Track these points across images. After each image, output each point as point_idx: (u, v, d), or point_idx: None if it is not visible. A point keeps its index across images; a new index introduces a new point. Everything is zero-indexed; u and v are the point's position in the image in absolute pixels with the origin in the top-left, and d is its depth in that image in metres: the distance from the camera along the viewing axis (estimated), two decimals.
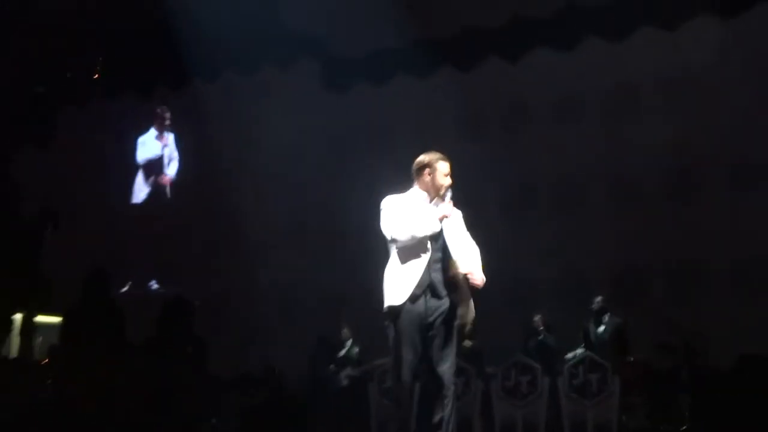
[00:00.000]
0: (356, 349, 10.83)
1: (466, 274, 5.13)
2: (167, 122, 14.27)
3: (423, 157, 5.36)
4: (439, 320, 5.11)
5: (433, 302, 5.09)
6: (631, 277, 11.23)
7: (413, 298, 5.05)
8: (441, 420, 5.07)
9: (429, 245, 5.13)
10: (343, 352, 10.87)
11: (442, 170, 5.28)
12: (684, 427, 9.04)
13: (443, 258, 5.16)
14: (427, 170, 5.30)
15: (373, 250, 11.87)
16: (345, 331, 10.91)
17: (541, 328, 10.13)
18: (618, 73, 11.72)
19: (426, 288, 5.09)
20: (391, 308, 5.07)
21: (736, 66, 10.91)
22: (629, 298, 10.86)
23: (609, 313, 9.93)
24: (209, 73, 13.50)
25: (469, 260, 5.20)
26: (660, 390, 9.43)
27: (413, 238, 5.10)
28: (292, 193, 13.06)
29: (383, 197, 5.30)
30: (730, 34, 10.93)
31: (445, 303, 5.13)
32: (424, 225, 5.12)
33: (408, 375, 5.00)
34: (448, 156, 5.41)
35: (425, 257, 5.11)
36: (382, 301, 5.18)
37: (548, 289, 11.25)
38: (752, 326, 10.10)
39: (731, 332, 10.17)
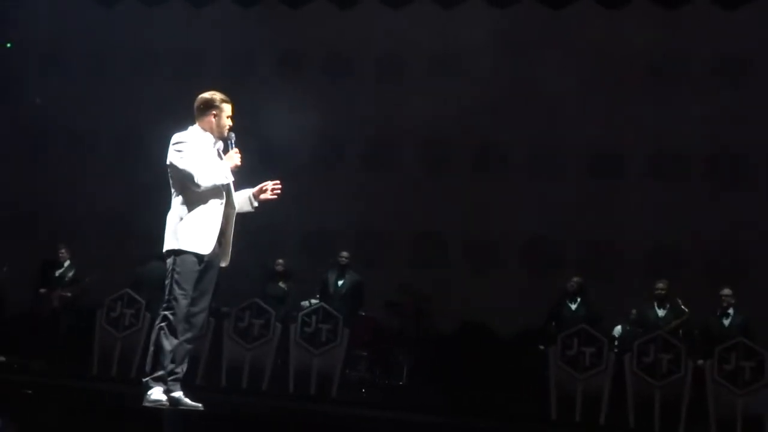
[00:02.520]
0: (72, 271, 10.63)
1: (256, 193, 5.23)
2: None
3: (208, 96, 5.23)
4: (215, 266, 5.15)
5: (216, 248, 5.12)
6: (375, 239, 11.64)
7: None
8: (181, 356, 5.10)
9: (223, 192, 5.13)
10: (58, 273, 10.64)
11: (227, 111, 5.21)
12: (401, 383, 9.52)
13: (228, 204, 5.16)
14: (213, 110, 5.18)
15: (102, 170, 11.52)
16: (62, 252, 10.69)
17: (283, 273, 10.23)
18: (391, 41, 12.02)
19: (218, 234, 5.12)
20: (189, 252, 5.02)
21: (498, 52, 11.54)
22: (371, 258, 11.24)
23: (350, 269, 10.18)
24: None
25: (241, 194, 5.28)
26: (384, 346, 9.87)
27: (215, 185, 5.07)
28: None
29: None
30: (498, 22, 11.54)
31: (219, 249, 5.15)
32: (223, 174, 5.10)
33: (183, 313, 5.02)
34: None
35: (221, 205, 5.12)
36: (162, 241, 5.10)
37: (295, 239, 11.40)
38: (478, 296, 10.84)
39: (460, 300, 10.84)
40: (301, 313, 9.31)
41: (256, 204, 5.32)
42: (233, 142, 5.21)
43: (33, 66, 12.49)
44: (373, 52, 12.27)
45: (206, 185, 5.03)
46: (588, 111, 11.40)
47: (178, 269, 5.03)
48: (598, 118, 11.40)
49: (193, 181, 5.01)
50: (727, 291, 8.95)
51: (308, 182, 11.55)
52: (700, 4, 11.36)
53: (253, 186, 5.33)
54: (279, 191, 5.29)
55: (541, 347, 9.18)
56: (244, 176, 5.32)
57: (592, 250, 11.23)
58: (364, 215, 11.52)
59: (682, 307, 9.06)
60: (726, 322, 8.87)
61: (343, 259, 10.12)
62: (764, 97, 11.02)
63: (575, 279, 9.61)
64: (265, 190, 5.29)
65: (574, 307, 9.50)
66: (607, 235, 11.23)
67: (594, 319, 9.21)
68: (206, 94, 5.25)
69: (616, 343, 9.31)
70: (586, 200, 11.28)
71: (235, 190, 5.27)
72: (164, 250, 5.11)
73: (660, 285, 9.23)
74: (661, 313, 9.18)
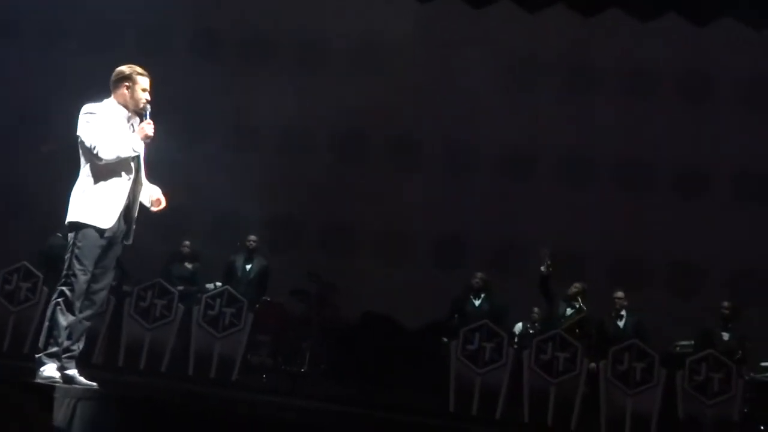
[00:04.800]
0: None
1: (153, 203, 5.13)
2: None
3: (123, 68, 5.09)
4: (118, 242, 5.02)
5: (122, 224, 4.98)
6: (285, 225, 11.59)
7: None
8: (78, 333, 5.00)
9: (132, 166, 4.98)
10: None
11: (142, 84, 5.05)
12: (302, 369, 9.51)
13: (136, 180, 5.03)
14: (126, 83, 5.04)
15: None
16: None
17: (189, 254, 10.08)
18: (312, 27, 11.97)
19: (122, 210, 4.97)
20: (89, 226, 4.88)
21: (419, 45, 11.62)
22: (280, 243, 11.18)
23: (258, 254, 10.09)
24: None
25: (153, 187, 5.17)
26: (287, 332, 9.84)
27: (118, 158, 4.91)
28: None
29: None
30: (420, 16, 11.63)
31: (125, 225, 5.02)
32: (129, 146, 4.95)
33: (81, 289, 4.89)
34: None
35: (128, 179, 4.97)
36: (65, 211, 4.96)
37: (204, 221, 11.24)
38: (384, 288, 10.92)
39: (366, 291, 10.89)
40: (205, 296, 9.19)
41: (150, 207, 5.19)
42: (148, 113, 5.06)
43: None
44: (294, 39, 12.20)
45: (109, 158, 4.90)
46: (504, 110, 11.61)
47: (79, 244, 4.90)
48: (513, 117, 11.62)
49: (96, 154, 4.89)
50: (619, 294, 9.24)
51: (220, 165, 11.41)
52: (616, 13, 11.66)
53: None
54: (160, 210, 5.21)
55: (445, 339, 9.28)
56: (155, 156, 5.22)
57: (499, 248, 11.44)
58: (275, 200, 11.43)
59: (581, 305, 9.30)
60: (620, 323, 9.16)
61: (251, 243, 10.00)
62: (671, 106, 11.43)
63: (479, 275, 9.74)
64: (159, 203, 5.17)
65: (477, 303, 9.63)
66: (514, 234, 11.45)
67: (497, 315, 9.38)
68: (122, 67, 5.12)
69: (516, 339, 9.50)
70: (497, 198, 11.49)
71: (147, 170, 5.15)
72: (66, 222, 4.99)
73: (576, 285, 9.42)
74: (568, 311, 9.38)
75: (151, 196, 5.17)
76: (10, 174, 11.40)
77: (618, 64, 11.72)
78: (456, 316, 9.61)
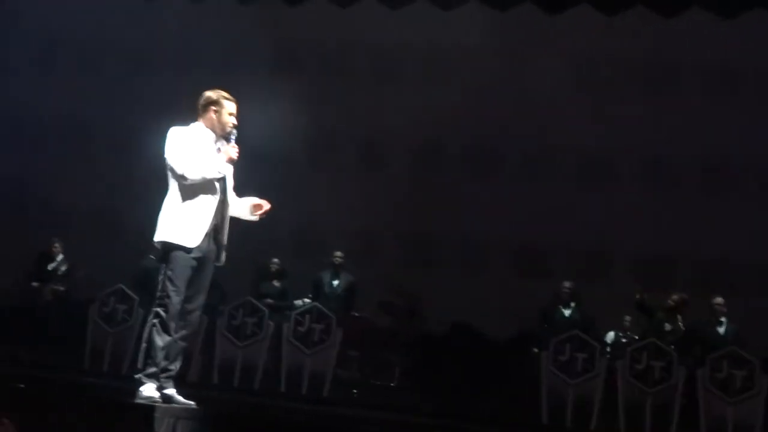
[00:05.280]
0: (65, 265, 10.74)
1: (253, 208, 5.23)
2: None
3: (210, 93, 5.23)
4: (209, 263, 5.13)
5: (211, 245, 5.10)
6: (366, 238, 11.63)
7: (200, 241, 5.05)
8: (174, 353, 5.13)
9: (218, 187, 5.10)
10: (51, 266, 10.70)
11: (228, 109, 5.18)
12: (392, 384, 9.52)
13: (223, 201, 5.14)
14: (214, 107, 5.17)
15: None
16: (56, 246, 10.74)
17: (278, 272, 10.23)
18: (388, 41, 12.03)
19: (210, 231, 5.09)
20: (177, 246, 5.00)
21: (494, 54, 11.56)
22: (362, 258, 11.21)
23: (344, 269, 10.16)
24: None
25: (247, 198, 5.27)
26: (376, 347, 9.86)
27: (204, 179, 5.03)
28: None
29: None
30: (495, 25, 11.58)
31: (215, 246, 5.14)
32: (214, 167, 5.07)
33: (176, 310, 5.01)
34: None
35: (215, 200, 5.08)
36: (154, 232, 5.10)
37: (285, 238, 11.36)
38: (467, 298, 10.85)
39: (450, 302, 10.84)
40: (294, 313, 9.29)
41: (254, 217, 5.30)
42: (233, 137, 5.18)
43: (29, 58, 12.45)
44: (370, 52, 12.28)
45: (194, 178, 5.01)
46: (580, 117, 11.44)
47: (170, 266, 5.01)
48: (590, 123, 11.43)
49: (182, 175, 5.01)
50: (719, 300, 8.98)
51: (300, 181, 11.54)
52: (696, 13, 11.40)
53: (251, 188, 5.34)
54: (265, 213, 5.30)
55: (535, 350, 9.16)
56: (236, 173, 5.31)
57: (582, 255, 11.25)
58: (355, 215, 11.51)
59: (679, 321, 9.07)
60: (721, 330, 8.89)
61: (338, 258, 10.11)
62: (755, 106, 11.07)
63: (568, 284, 9.61)
64: (260, 207, 5.27)
65: (567, 312, 9.51)
66: (598, 241, 11.25)
67: (587, 324, 9.22)
68: (208, 92, 5.25)
69: (608, 349, 9.31)
70: (576, 205, 11.31)
71: (235, 191, 5.25)
72: (155, 243, 5.10)
73: (674, 297, 9.20)
74: (667, 326, 9.10)
75: (249, 204, 5.26)
76: (105, 198, 11.76)
77: (694, 65, 11.42)
78: (545, 327, 9.49)
